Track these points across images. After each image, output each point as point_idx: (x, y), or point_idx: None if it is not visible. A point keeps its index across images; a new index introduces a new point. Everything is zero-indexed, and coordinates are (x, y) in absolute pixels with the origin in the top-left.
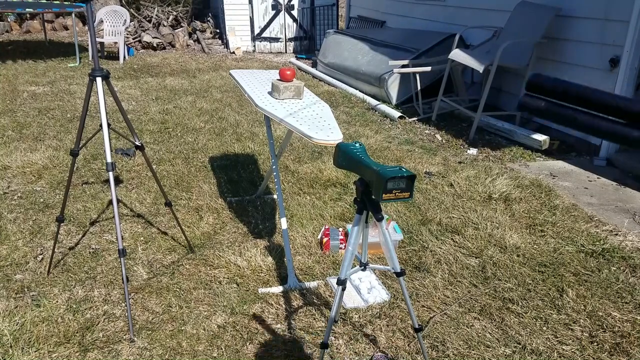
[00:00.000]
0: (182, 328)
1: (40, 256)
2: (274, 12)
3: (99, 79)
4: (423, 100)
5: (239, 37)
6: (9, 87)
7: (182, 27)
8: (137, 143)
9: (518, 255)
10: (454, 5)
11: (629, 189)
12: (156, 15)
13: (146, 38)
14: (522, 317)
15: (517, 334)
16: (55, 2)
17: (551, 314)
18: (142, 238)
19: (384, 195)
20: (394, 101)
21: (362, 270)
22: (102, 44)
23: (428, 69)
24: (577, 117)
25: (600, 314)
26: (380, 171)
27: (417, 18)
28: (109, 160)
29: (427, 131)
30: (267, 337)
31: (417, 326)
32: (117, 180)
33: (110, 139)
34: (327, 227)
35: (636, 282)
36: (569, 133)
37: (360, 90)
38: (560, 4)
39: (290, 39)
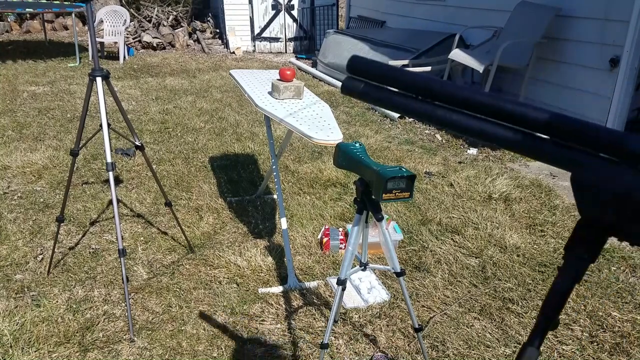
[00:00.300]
0: (182, 328)
1: (40, 256)
2: (274, 12)
3: (99, 79)
4: None
5: (239, 37)
6: (9, 87)
7: (182, 27)
8: (137, 143)
9: (518, 255)
10: (454, 5)
11: None
12: (156, 15)
13: (146, 38)
14: (522, 317)
15: (517, 334)
16: (55, 2)
17: None
18: (142, 238)
19: (384, 195)
20: None
21: (362, 270)
22: (102, 44)
23: (428, 69)
24: (393, 99)
25: (600, 314)
26: (380, 171)
27: (417, 18)
28: (109, 160)
29: (427, 131)
30: (267, 337)
31: (417, 326)
32: (117, 180)
33: (110, 139)
34: (327, 227)
35: (636, 282)
36: None
37: None
38: (560, 4)
39: (290, 39)
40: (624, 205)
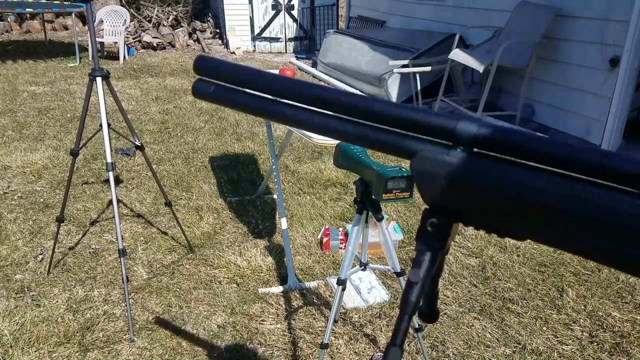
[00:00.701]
0: (182, 328)
1: (40, 256)
2: (274, 12)
3: (99, 79)
4: (423, 100)
5: (239, 37)
6: (9, 87)
7: (182, 27)
8: (137, 143)
9: (518, 255)
10: (454, 5)
11: None
12: (156, 15)
13: (146, 38)
14: (522, 317)
15: (517, 334)
16: (55, 2)
17: (551, 314)
18: (142, 238)
19: (384, 195)
20: (394, 101)
21: (362, 270)
22: (102, 44)
23: (428, 68)
24: (241, 101)
25: (600, 314)
26: (380, 171)
27: (417, 18)
28: (109, 160)
29: None
30: (267, 337)
31: (417, 326)
32: (117, 180)
33: (110, 139)
34: (327, 227)
35: (636, 282)
36: (569, 133)
37: (360, 90)
38: (560, 4)
39: (290, 39)
40: (462, 189)
